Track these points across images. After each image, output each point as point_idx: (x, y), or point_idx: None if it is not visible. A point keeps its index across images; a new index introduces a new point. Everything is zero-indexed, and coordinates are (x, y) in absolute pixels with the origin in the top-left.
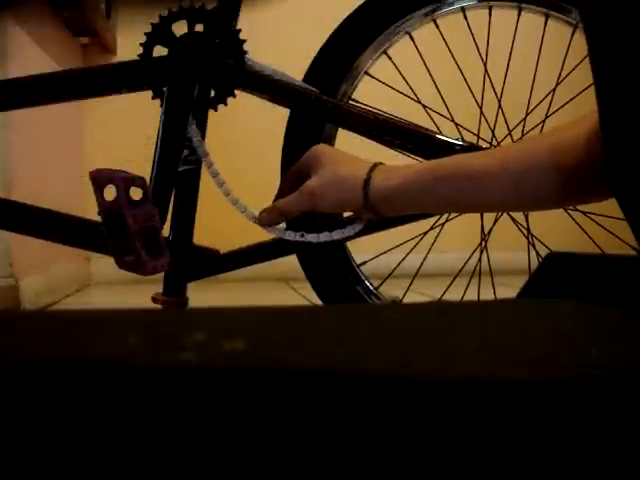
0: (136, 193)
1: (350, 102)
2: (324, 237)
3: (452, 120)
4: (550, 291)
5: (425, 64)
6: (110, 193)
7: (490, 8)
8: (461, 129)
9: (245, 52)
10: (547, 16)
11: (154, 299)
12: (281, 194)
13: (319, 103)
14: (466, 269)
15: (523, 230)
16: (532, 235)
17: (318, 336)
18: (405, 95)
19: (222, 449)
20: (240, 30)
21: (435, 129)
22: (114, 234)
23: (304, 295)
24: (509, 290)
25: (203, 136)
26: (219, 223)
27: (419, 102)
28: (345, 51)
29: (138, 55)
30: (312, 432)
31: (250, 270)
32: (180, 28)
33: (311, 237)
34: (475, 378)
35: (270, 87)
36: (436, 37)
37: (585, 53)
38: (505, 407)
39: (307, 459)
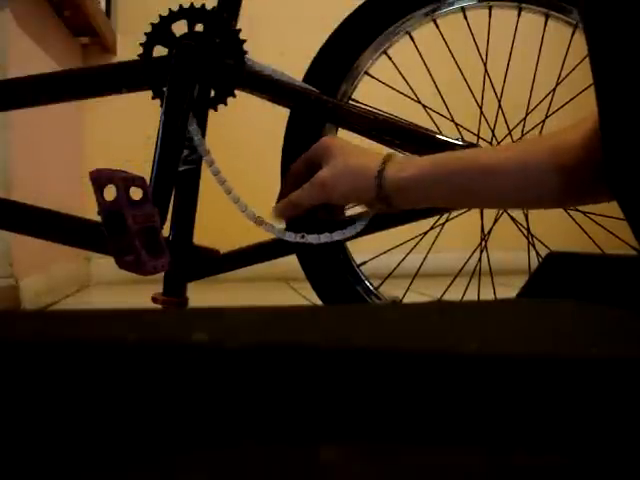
0: (136, 193)
1: (350, 102)
2: (325, 238)
3: (452, 120)
4: (550, 291)
5: (425, 64)
6: (110, 193)
7: (490, 8)
8: (461, 129)
9: (245, 52)
10: (547, 16)
11: (154, 299)
12: (286, 189)
13: (319, 103)
14: (466, 269)
15: (523, 230)
16: (532, 235)
17: (318, 336)
18: (405, 95)
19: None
20: (240, 30)
21: (435, 129)
22: (114, 234)
23: (304, 295)
24: (509, 290)
25: (203, 136)
26: (219, 223)
27: (419, 102)
28: (345, 51)
29: (138, 55)
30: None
31: (250, 270)
32: (180, 28)
33: (312, 238)
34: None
35: (270, 87)
36: (436, 37)
37: (585, 53)
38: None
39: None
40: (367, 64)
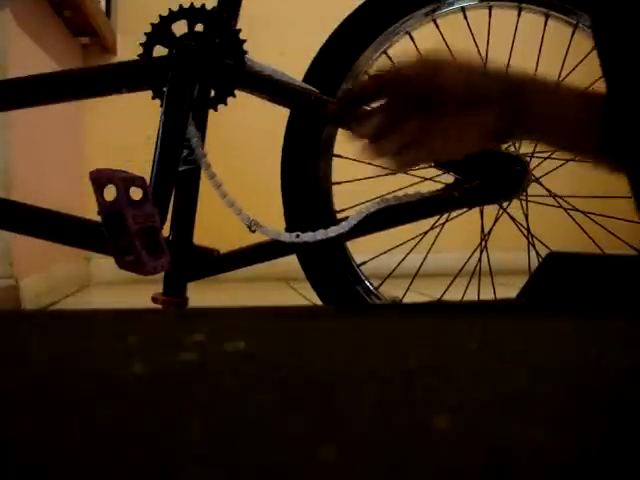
0: (136, 193)
1: None
2: (320, 235)
3: None
4: (550, 291)
5: None
6: (110, 193)
7: (490, 8)
8: None
9: (245, 52)
10: (547, 16)
11: (154, 299)
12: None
13: (319, 103)
14: (466, 269)
15: (523, 230)
16: (532, 235)
17: (318, 336)
18: None
19: None
20: (240, 30)
21: None
22: (114, 234)
23: (304, 295)
24: (509, 290)
25: (203, 136)
26: (219, 223)
27: None
28: (345, 51)
29: (138, 55)
30: None
31: (250, 270)
32: (180, 28)
33: (307, 237)
34: None
35: (270, 87)
36: (436, 37)
37: (585, 53)
38: None
39: None
40: (367, 64)
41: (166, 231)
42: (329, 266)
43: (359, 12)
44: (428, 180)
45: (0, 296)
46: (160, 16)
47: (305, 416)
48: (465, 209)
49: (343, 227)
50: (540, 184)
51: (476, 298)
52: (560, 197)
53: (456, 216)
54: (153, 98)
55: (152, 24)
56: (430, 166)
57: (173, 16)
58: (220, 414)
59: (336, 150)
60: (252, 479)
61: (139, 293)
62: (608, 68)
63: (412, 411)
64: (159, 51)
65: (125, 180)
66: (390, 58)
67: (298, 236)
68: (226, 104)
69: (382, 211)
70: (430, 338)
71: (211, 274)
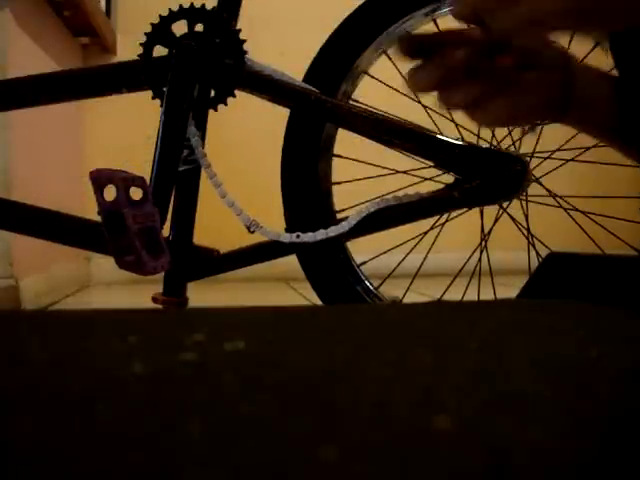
0: (136, 193)
1: (350, 102)
2: (320, 235)
3: (452, 120)
4: (550, 291)
5: None
6: (110, 193)
7: None
8: (461, 129)
9: (245, 52)
10: None
11: (154, 299)
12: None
13: (319, 103)
14: (466, 269)
15: (523, 230)
16: (532, 235)
17: (318, 336)
18: (405, 95)
19: None
20: (240, 30)
21: (435, 129)
22: (114, 234)
23: (304, 295)
24: (509, 290)
25: (203, 136)
26: (219, 223)
27: (419, 102)
28: (345, 51)
29: (138, 55)
30: None
31: (250, 270)
32: (180, 28)
33: (307, 237)
34: None
35: (270, 87)
36: None
37: (585, 53)
38: None
39: None
40: (367, 64)
41: (166, 231)
42: (329, 266)
43: (359, 12)
44: (428, 180)
45: (0, 296)
46: (160, 16)
47: (305, 416)
48: (465, 209)
49: (343, 227)
50: (540, 184)
51: (476, 298)
52: (560, 197)
53: (456, 216)
54: (153, 98)
55: (152, 24)
56: (430, 166)
57: (173, 16)
58: (220, 414)
59: (336, 150)
60: (252, 479)
61: (139, 293)
62: (619, 54)
63: (412, 411)
64: (159, 51)
65: (125, 180)
66: (390, 58)
67: (298, 236)
68: (226, 104)
69: (382, 211)
70: (430, 338)
71: (211, 274)
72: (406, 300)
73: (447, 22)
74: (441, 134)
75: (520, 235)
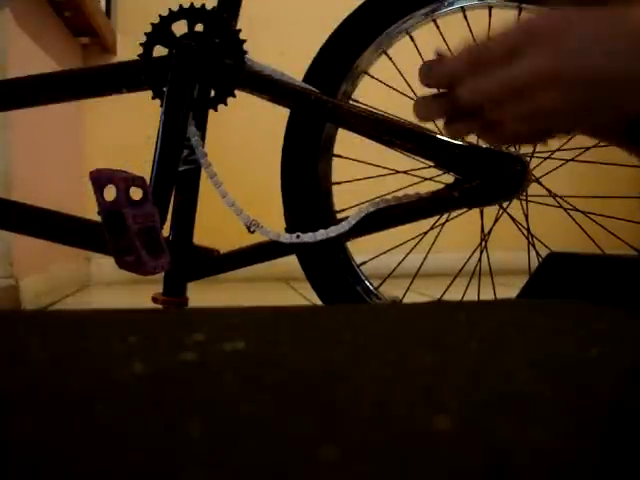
0: (136, 193)
1: (350, 102)
2: (320, 235)
3: None
4: (550, 291)
5: None
6: (110, 193)
7: (490, 8)
8: None
9: (245, 52)
10: None
11: (154, 299)
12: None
13: (319, 103)
14: (466, 269)
15: (523, 230)
16: (532, 235)
17: (318, 336)
18: (405, 95)
19: None
20: (240, 30)
21: (435, 129)
22: (114, 234)
23: (304, 295)
24: (509, 290)
25: (203, 136)
26: (219, 223)
27: None
28: (345, 51)
29: (138, 55)
30: None
31: (250, 270)
32: (180, 28)
33: (307, 237)
34: None
35: (270, 87)
36: (436, 37)
37: None
38: None
39: None
40: (367, 64)
41: (166, 231)
42: (329, 266)
43: (359, 12)
44: (428, 180)
45: (0, 296)
46: (160, 16)
47: (305, 416)
48: (465, 209)
49: (343, 227)
50: (540, 184)
51: (476, 298)
52: (560, 197)
53: (456, 216)
54: (153, 98)
55: (152, 24)
56: (430, 166)
57: (173, 16)
58: (220, 414)
59: (336, 150)
60: (252, 479)
61: (139, 293)
62: None
63: (412, 411)
64: (159, 51)
65: (125, 180)
66: (390, 58)
67: (298, 236)
68: (226, 104)
69: (382, 211)
70: (430, 338)
71: (211, 274)
72: (406, 300)
73: (447, 22)
74: (441, 134)
75: (520, 235)
